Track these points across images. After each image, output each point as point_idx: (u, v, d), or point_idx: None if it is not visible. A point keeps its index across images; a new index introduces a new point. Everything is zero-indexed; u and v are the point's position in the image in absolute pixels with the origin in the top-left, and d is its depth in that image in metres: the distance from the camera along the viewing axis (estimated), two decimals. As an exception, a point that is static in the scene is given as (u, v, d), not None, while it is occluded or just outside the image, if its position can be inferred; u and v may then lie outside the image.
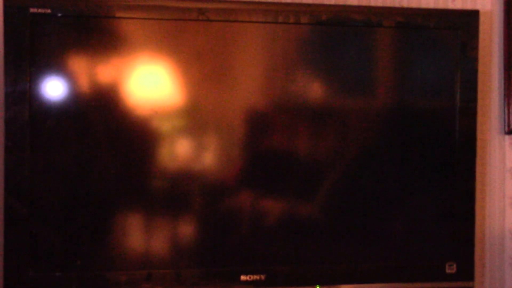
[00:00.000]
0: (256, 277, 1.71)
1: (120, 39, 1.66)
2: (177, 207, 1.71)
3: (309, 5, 1.77)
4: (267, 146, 1.75)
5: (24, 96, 1.60)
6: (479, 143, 1.84)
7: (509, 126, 1.95)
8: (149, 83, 1.68)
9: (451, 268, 1.79)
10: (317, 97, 1.75)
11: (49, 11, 1.61)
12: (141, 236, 1.70)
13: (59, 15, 1.62)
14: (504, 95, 1.95)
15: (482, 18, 1.82)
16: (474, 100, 1.80)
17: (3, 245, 1.63)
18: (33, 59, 1.61)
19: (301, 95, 1.73)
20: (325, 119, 1.74)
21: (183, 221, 1.71)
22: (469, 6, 1.94)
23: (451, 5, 1.93)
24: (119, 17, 1.65)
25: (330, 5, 1.79)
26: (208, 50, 1.70)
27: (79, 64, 1.64)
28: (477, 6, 1.93)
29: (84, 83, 1.64)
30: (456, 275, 1.79)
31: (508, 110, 1.95)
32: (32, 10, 1.60)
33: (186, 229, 1.71)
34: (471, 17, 1.79)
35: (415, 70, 1.78)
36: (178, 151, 1.70)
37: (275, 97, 1.74)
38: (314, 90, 1.76)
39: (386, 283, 1.77)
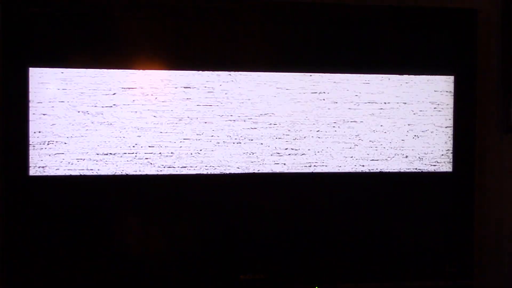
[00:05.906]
0: (255, 276, 1.71)
1: (117, 37, 1.66)
2: (177, 207, 1.70)
3: (305, 4, 1.77)
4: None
5: (23, 95, 1.60)
6: (478, 142, 1.84)
7: (507, 125, 1.95)
8: (149, 80, 1.67)
9: (451, 267, 1.79)
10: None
11: (47, 10, 1.61)
12: (141, 235, 1.69)
13: (57, 14, 1.62)
14: (503, 94, 1.95)
15: (480, 17, 1.82)
16: (473, 99, 1.80)
17: (3, 247, 1.63)
18: (32, 58, 1.61)
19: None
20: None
21: (183, 221, 1.71)
22: (467, 5, 1.94)
23: (449, 4, 1.94)
24: (117, 17, 1.65)
25: (327, 4, 1.79)
26: (207, 47, 1.70)
27: (77, 63, 1.64)
28: (476, 5, 1.93)
29: (82, 82, 1.64)
30: (456, 274, 1.79)
31: (507, 109, 1.95)
32: (30, 9, 1.60)
33: (186, 229, 1.71)
34: (470, 16, 1.80)
35: (413, 68, 1.78)
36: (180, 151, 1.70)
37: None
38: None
39: (386, 282, 1.76)
